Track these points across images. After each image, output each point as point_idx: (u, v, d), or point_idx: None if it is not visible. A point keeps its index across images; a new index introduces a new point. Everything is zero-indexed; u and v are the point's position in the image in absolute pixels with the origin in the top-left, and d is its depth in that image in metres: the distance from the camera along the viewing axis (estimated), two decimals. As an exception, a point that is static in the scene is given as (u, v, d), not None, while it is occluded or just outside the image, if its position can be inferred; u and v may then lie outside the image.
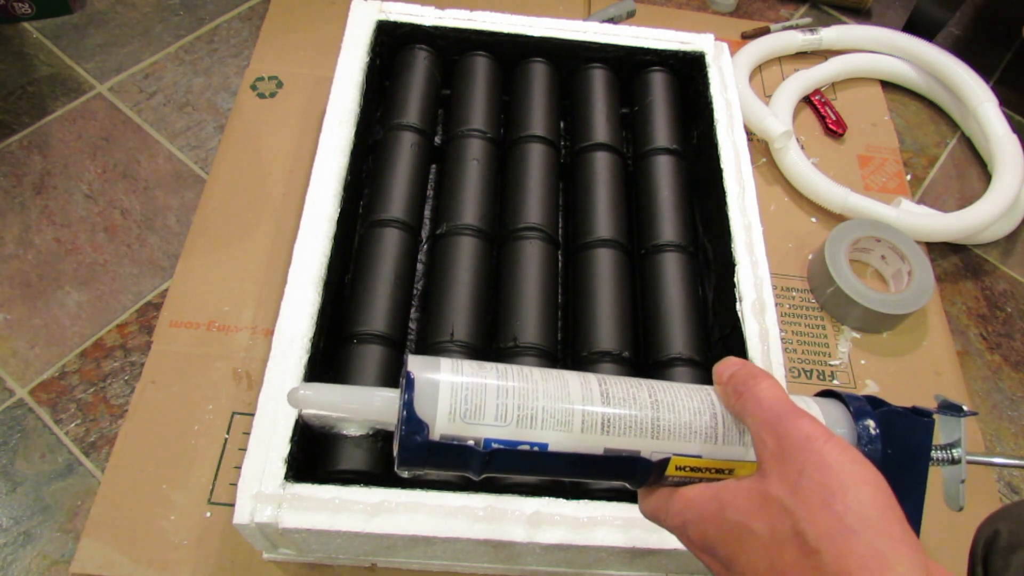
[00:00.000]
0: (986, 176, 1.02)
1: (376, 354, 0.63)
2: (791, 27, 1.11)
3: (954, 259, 0.96)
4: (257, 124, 0.92)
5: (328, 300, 0.63)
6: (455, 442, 0.29)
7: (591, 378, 0.31)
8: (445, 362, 0.31)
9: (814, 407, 0.33)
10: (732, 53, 0.87)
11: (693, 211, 0.77)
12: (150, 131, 0.91)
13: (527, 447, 0.29)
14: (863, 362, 0.83)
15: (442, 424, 0.29)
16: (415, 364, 0.30)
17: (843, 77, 1.08)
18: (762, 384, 0.30)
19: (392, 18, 0.79)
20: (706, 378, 0.66)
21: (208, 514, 0.66)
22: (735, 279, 0.67)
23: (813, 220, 0.94)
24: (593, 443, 0.30)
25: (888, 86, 1.10)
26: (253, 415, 0.55)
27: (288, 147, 0.90)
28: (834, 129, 1.02)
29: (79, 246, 0.82)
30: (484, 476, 0.31)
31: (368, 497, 0.53)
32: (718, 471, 0.31)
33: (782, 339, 0.70)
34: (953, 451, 0.35)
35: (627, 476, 0.31)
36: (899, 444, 0.32)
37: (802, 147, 0.99)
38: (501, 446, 0.29)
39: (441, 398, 0.29)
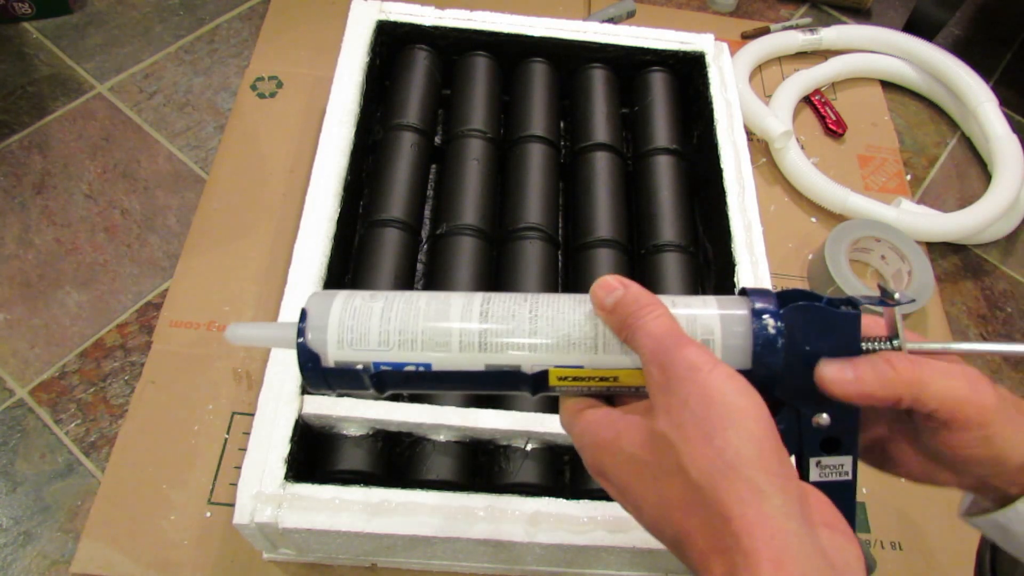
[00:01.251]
0: (986, 176, 1.02)
1: (376, 354, 0.63)
2: (791, 27, 1.11)
3: (954, 259, 0.96)
4: (257, 124, 0.92)
5: (328, 300, 0.63)
6: (347, 367, 0.31)
7: (475, 299, 0.32)
8: (340, 295, 0.33)
9: (714, 309, 0.32)
10: (732, 53, 0.87)
11: (693, 211, 0.77)
12: (150, 131, 0.91)
13: (412, 367, 0.31)
14: (863, 362, 0.83)
15: (333, 352, 0.31)
16: (312, 300, 0.33)
17: (843, 77, 1.08)
18: (649, 316, 0.30)
19: (392, 18, 0.79)
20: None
21: (208, 514, 0.66)
22: (735, 279, 0.67)
23: (813, 220, 0.94)
24: (472, 360, 0.31)
25: (888, 86, 1.10)
26: (253, 415, 0.55)
27: (288, 147, 0.90)
28: (834, 129, 1.02)
29: (79, 246, 0.82)
30: (389, 393, 0.33)
31: (368, 497, 0.53)
32: (602, 379, 0.31)
33: (782, 339, 0.70)
34: (892, 342, 0.31)
35: (513, 388, 0.32)
36: (817, 341, 0.30)
37: (802, 147, 0.99)
38: (388, 367, 0.31)
39: (330, 330, 0.31)
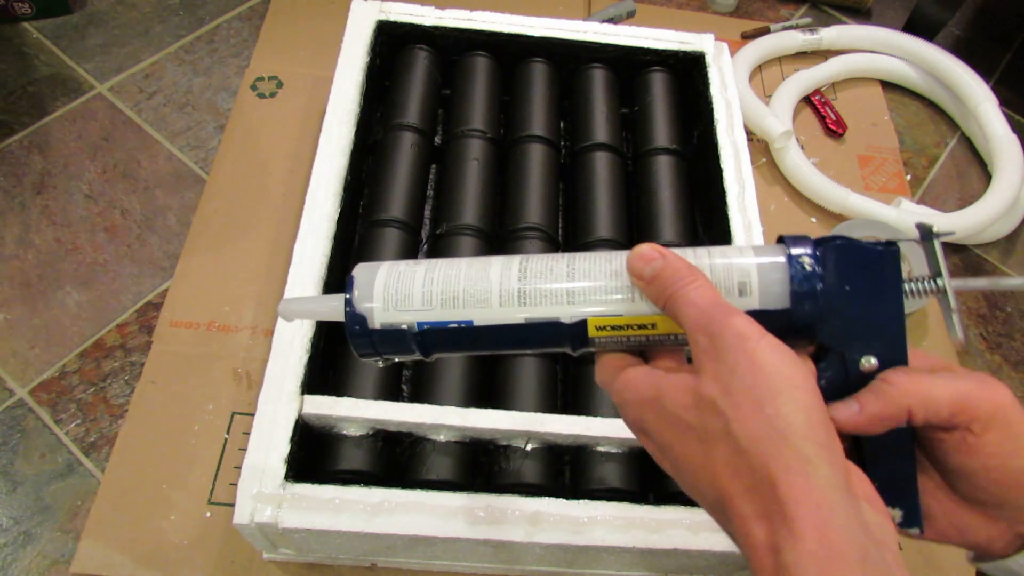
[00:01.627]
0: (986, 176, 1.02)
1: (376, 354, 0.63)
2: (791, 27, 1.11)
3: (954, 259, 0.96)
4: (257, 124, 0.92)
5: (328, 300, 0.63)
6: (393, 328, 0.33)
7: (514, 259, 0.33)
8: (385, 265, 0.34)
9: (751, 257, 0.31)
10: (732, 53, 0.87)
11: (693, 211, 0.77)
12: (150, 131, 0.91)
13: (455, 325, 0.32)
14: (863, 362, 0.83)
15: (379, 314, 0.33)
16: (358, 269, 0.34)
17: (843, 77, 1.08)
18: (691, 287, 0.30)
19: (392, 18, 0.79)
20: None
21: (208, 514, 0.66)
22: (735, 279, 0.67)
23: (813, 220, 0.94)
24: (512, 315, 0.32)
25: (888, 86, 1.10)
26: (253, 415, 0.55)
27: (288, 147, 0.90)
28: (834, 129, 1.02)
29: (79, 246, 0.82)
30: (435, 357, 0.34)
31: (368, 497, 0.53)
32: (641, 326, 0.31)
33: (782, 339, 0.70)
34: (936, 281, 0.31)
35: (554, 344, 0.33)
36: (857, 278, 0.30)
37: (802, 147, 0.99)
38: (431, 327, 0.32)
39: (376, 293, 0.33)
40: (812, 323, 0.30)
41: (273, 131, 0.91)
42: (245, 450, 0.54)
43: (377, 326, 0.33)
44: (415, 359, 0.35)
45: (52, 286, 0.79)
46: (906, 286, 0.31)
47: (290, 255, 0.63)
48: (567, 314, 0.32)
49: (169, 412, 0.71)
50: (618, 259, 0.32)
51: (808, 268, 0.30)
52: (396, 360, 0.36)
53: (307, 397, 0.56)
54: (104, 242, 0.82)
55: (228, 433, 0.71)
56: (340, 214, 0.66)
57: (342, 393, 0.60)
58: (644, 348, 0.33)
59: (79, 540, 0.65)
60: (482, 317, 0.32)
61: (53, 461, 0.69)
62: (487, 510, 0.53)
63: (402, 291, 0.33)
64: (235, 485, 0.53)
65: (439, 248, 0.70)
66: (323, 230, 0.64)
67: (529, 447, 0.59)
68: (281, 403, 0.56)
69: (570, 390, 0.67)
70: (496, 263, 0.33)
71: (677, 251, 0.32)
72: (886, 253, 0.30)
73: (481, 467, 0.61)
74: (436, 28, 0.79)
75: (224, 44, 1.00)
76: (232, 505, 0.52)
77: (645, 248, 0.31)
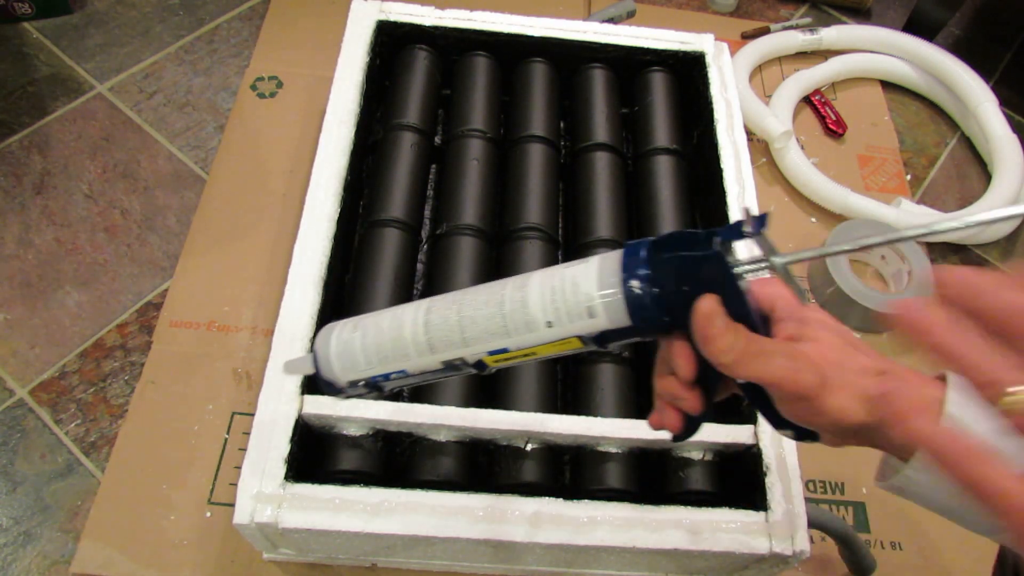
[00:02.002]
0: (986, 176, 1.02)
1: (376, 354, 0.63)
2: (791, 27, 1.11)
3: (954, 259, 0.96)
4: (257, 124, 0.92)
5: (328, 300, 0.63)
6: (354, 383, 0.41)
7: (420, 311, 0.39)
8: (334, 331, 0.41)
9: (594, 287, 0.34)
10: (732, 53, 0.87)
11: (693, 211, 0.77)
12: (150, 131, 0.91)
13: (395, 374, 0.40)
14: (863, 362, 0.83)
15: (343, 376, 0.41)
16: (317, 342, 0.42)
17: (843, 77, 1.08)
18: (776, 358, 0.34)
19: (392, 18, 0.79)
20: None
21: (208, 514, 0.66)
22: (735, 279, 0.67)
23: (813, 220, 0.94)
24: (430, 361, 0.39)
25: (888, 86, 1.10)
26: (253, 415, 0.55)
27: (288, 147, 0.90)
28: (834, 129, 1.02)
29: (79, 246, 0.82)
30: (395, 389, 0.42)
31: (368, 497, 0.53)
32: (525, 354, 0.37)
33: (782, 339, 0.70)
34: (762, 265, 0.33)
35: (466, 371, 0.39)
36: (691, 281, 0.33)
37: (802, 147, 0.99)
38: (380, 378, 0.40)
39: (334, 365, 0.41)
40: (661, 327, 0.34)
41: (273, 131, 0.91)
42: (245, 450, 0.54)
43: (344, 384, 0.41)
44: (386, 395, 0.43)
45: (52, 286, 0.79)
46: (737, 270, 0.33)
47: (290, 255, 0.63)
48: (467, 354, 0.38)
49: (169, 412, 0.71)
50: (490, 305, 0.37)
51: (638, 292, 0.33)
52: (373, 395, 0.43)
53: (307, 397, 0.56)
54: (104, 242, 0.82)
55: (228, 433, 0.71)
56: (340, 214, 0.66)
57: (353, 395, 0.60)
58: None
59: (79, 540, 0.65)
60: (409, 366, 0.39)
61: (53, 461, 0.69)
62: (487, 510, 0.53)
63: (348, 359, 0.40)
64: (235, 485, 0.53)
65: (439, 248, 0.70)
66: (323, 230, 0.64)
67: (529, 447, 0.59)
68: (281, 403, 0.56)
69: (570, 390, 0.67)
70: (407, 318, 0.39)
71: (519, 279, 0.37)
72: (712, 257, 0.32)
73: (481, 467, 0.61)
74: (436, 28, 0.79)
75: (224, 44, 1.00)
76: (232, 505, 0.52)
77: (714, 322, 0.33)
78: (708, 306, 0.32)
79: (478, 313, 0.37)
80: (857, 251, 0.36)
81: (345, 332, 0.41)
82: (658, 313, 0.33)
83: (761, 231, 0.32)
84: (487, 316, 0.37)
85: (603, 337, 0.35)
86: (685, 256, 0.33)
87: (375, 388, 0.41)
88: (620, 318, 0.34)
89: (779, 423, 0.38)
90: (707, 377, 0.36)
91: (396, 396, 0.65)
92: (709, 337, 0.33)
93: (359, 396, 0.42)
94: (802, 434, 0.37)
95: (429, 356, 0.38)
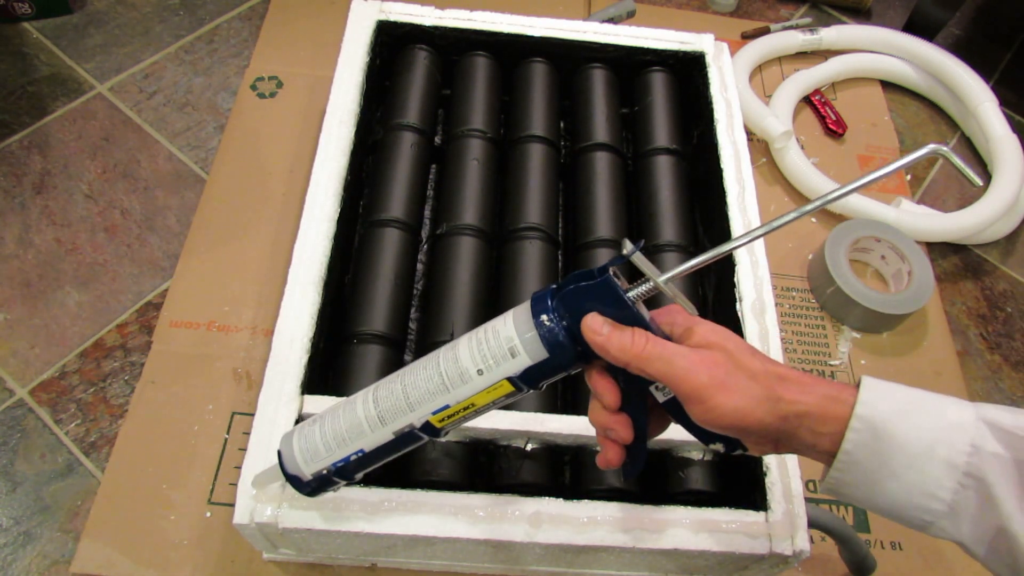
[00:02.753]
0: (986, 176, 1.02)
1: (376, 354, 0.63)
2: (791, 27, 1.11)
3: (954, 259, 0.96)
4: (257, 124, 0.92)
5: (328, 300, 0.63)
6: (318, 474, 0.45)
7: (369, 391, 0.43)
8: (296, 432, 0.46)
9: (512, 331, 0.39)
10: (732, 53, 0.87)
11: (693, 211, 0.77)
12: (150, 131, 0.91)
13: (354, 455, 0.44)
14: (863, 362, 0.83)
15: (306, 469, 0.45)
16: (282, 443, 0.47)
17: (843, 77, 1.08)
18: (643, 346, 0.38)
19: (392, 18, 0.79)
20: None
21: (208, 514, 0.66)
22: (735, 279, 0.67)
23: (813, 220, 0.94)
24: (384, 434, 0.42)
25: (888, 86, 1.10)
26: (253, 415, 0.55)
27: (288, 147, 0.90)
28: (834, 129, 1.02)
29: (79, 246, 0.82)
30: (358, 477, 0.46)
31: (368, 497, 0.53)
32: (465, 408, 0.41)
33: (782, 339, 0.70)
34: (646, 284, 0.38)
35: (418, 440, 0.43)
36: (599, 303, 0.38)
37: (802, 147, 0.99)
38: (341, 463, 0.44)
39: (297, 459, 0.45)
40: (577, 356, 0.39)
41: (273, 131, 0.91)
42: (245, 450, 0.54)
43: (309, 477, 0.45)
44: (353, 483, 0.46)
45: (52, 286, 0.79)
46: (629, 295, 0.38)
47: (290, 255, 0.63)
48: (415, 419, 0.41)
49: (169, 412, 0.71)
50: (427, 368, 0.41)
51: (548, 324, 0.38)
52: (340, 488, 0.47)
53: (307, 397, 0.56)
54: (104, 242, 0.82)
55: (228, 433, 0.71)
56: (340, 214, 0.66)
57: (342, 393, 0.60)
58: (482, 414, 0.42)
59: (79, 540, 0.65)
60: (365, 444, 0.43)
61: (53, 461, 0.69)
62: (487, 510, 0.53)
63: (310, 450, 0.45)
64: (235, 485, 0.53)
65: (439, 248, 0.70)
66: (323, 230, 0.64)
67: (529, 447, 0.59)
68: (281, 403, 0.56)
69: (570, 390, 0.67)
70: (359, 400, 0.43)
71: (451, 344, 0.41)
72: (602, 283, 0.38)
73: (481, 467, 0.61)
74: (436, 28, 0.79)
75: (224, 44, 1.00)
76: (232, 505, 0.52)
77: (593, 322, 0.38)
78: (591, 319, 0.37)
79: (418, 377, 0.41)
80: (742, 245, 0.41)
81: (306, 428, 0.46)
82: (570, 342, 0.38)
83: (637, 250, 0.37)
84: (426, 378, 0.41)
85: (529, 375, 0.39)
86: (580, 286, 0.38)
87: (340, 475, 0.45)
88: (538, 352, 0.38)
89: (706, 438, 0.40)
90: (631, 403, 0.40)
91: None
92: (602, 344, 0.37)
93: (327, 490, 0.46)
94: (730, 445, 0.40)
95: (381, 429, 0.42)
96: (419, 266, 0.73)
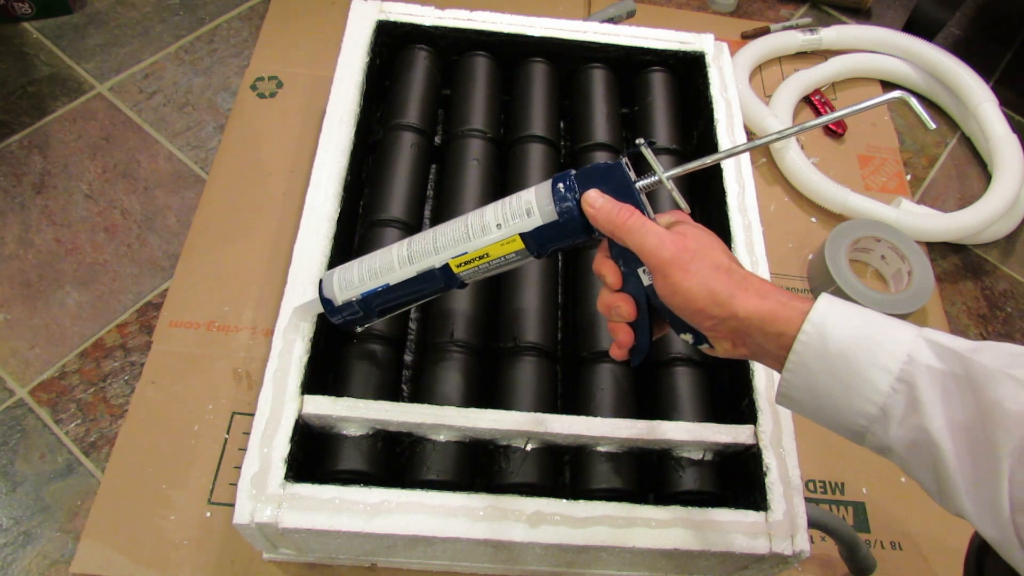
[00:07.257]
0: (986, 176, 1.02)
1: (376, 354, 0.63)
2: (791, 27, 1.11)
3: (954, 259, 0.96)
4: (257, 124, 0.92)
5: (328, 300, 0.63)
6: (348, 302, 0.53)
7: (405, 240, 0.51)
8: (338, 269, 0.54)
9: (531, 191, 0.47)
10: (732, 53, 0.87)
11: (693, 211, 0.77)
12: (150, 131, 0.91)
13: (380, 287, 0.52)
14: (863, 362, 0.83)
15: (340, 294, 0.53)
16: (324, 275, 0.55)
17: (843, 77, 1.08)
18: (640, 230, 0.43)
19: (392, 18, 0.79)
20: (705, 377, 0.66)
21: (208, 514, 0.66)
22: (735, 279, 0.67)
23: (813, 220, 0.94)
24: (407, 271, 0.50)
25: (888, 86, 1.10)
26: (253, 415, 0.55)
27: (288, 147, 0.90)
28: (834, 129, 1.02)
29: (79, 246, 0.82)
30: (379, 311, 0.54)
31: (368, 497, 0.53)
32: (480, 257, 0.48)
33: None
34: (652, 176, 0.44)
35: (438, 282, 0.50)
36: (602, 187, 0.44)
37: (802, 147, 0.99)
38: (367, 293, 0.52)
39: (335, 284, 0.54)
40: (584, 226, 0.45)
41: (273, 131, 0.91)
42: (245, 450, 0.54)
43: (340, 303, 0.53)
44: (371, 322, 0.55)
45: (52, 286, 0.79)
46: (636, 184, 0.44)
47: (290, 255, 0.63)
48: (437, 261, 0.49)
49: (169, 412, 0.71)
50: (462, 219, 0.48)
51: (563, 192, 0.45)
52: (363, 327, 0.56)
53: (307, 397, 0.56)
54: (104, 242, 0.82)
55: (228, 433, 0.71)
56: (340, 214, 0.66)
57: (342, 393, 0.60)
58: (492, 271, 0.49)
59: (79, 540, 0.65)
60: (392, 278, 0.51)
61: (53, 461, 0.69)
62: (487, 510, 0.53)
63: (346, 279, 0.53)
64: (235, 485, 0.53)
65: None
66: (323, 230, 0.64)
67: (529, 447, 0.59)
68: (281, 403, 0.56)
69: (570, 390, 0.67)
70: (395, 246, 0.51)
71: (483, 208, 0.48)
72: (615, 166, 0.44)
73: (481, 467, 0.61)
74: (436, 28, 0.79)
75: (224, 44, 1.00)
76: (232, 505, 0.52)
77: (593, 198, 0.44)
78: (591, 192, 0.44)
79: (448, 228, 0.49)
80: (739, 152, 0.47)
81: (347, 264, 0.54)
82: (578, 211, 0.44)
83: (647, 146, 0.44)
84: (454, 229, 0.49)
85: (539, 234, 0.46)
86: (596, 165, 0.45)
87: (364, 307, 0.53)
88: (550, 214, 0.45)
89: (678, 326, 0.44)
90: (630, 284, 0.45)
91: (395, 395, 0.65)
92: (593, 215, 0.43)
93: (352, 321, 0.54)
94: (697, 338, 0.44)
95: (408, 267, 0.50)
96: (419, 266, 0.73)
